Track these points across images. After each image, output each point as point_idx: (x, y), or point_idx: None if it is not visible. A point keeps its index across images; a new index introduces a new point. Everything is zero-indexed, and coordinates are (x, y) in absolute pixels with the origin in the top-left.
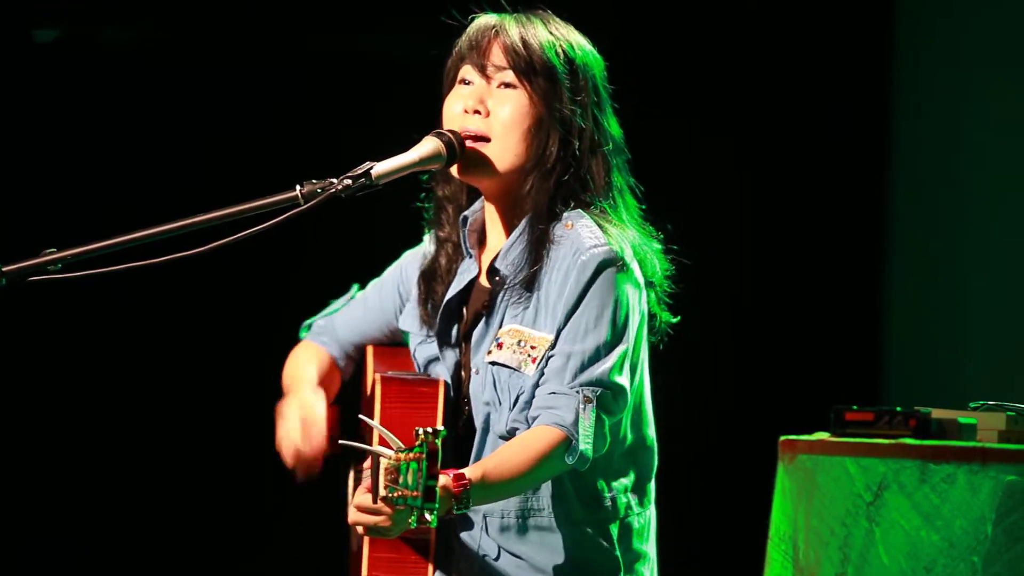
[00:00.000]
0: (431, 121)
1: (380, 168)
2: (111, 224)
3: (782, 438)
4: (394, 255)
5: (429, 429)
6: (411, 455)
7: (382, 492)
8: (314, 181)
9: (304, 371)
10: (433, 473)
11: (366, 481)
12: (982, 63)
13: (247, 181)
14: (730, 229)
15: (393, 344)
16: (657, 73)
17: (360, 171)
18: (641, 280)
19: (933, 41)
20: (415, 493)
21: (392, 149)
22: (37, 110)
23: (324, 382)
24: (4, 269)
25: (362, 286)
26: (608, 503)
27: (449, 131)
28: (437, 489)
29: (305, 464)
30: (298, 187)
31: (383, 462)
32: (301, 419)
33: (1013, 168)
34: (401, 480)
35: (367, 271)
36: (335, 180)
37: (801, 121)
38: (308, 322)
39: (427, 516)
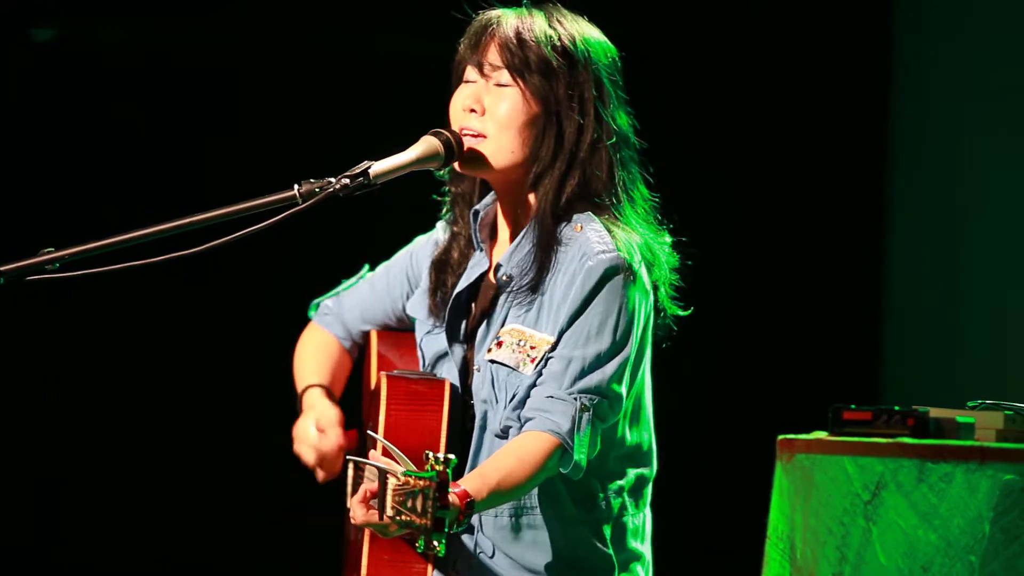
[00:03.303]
0: (429, 120)
1: (378, 167)
2: (109, 224)
3: (780, 437)
4: (390, 251)
5: (440, 456)
6: (421, 481)
7: (389, 512)
8: (312, 180)
9: (314, 371)
10: (444, 503)
11: (367, 483)
12: (980, 63)
13: (245, 181)
14: (727, 228)
15: (398, 329)
16: (654, 68)
17: (358, 170)
18: (648, 286)
19: (931, 39)
20: (424, 521)
21: (390, 148)
22: (34, 109)
23: (334, 374)
24: (2, 269)
25: (372, 268)
26: (602, 503)
27: (447, 130)
28: (447, 520)
29: (327, 462)
30: (296, 186)
31: (391, 481)
32: (316, 422)
33: (1011, 168)
34: (409, 504)
35: (362, 267)
36: (333, 179)
37: (800, 118)
38: (317, 301)
39: (435, 544)
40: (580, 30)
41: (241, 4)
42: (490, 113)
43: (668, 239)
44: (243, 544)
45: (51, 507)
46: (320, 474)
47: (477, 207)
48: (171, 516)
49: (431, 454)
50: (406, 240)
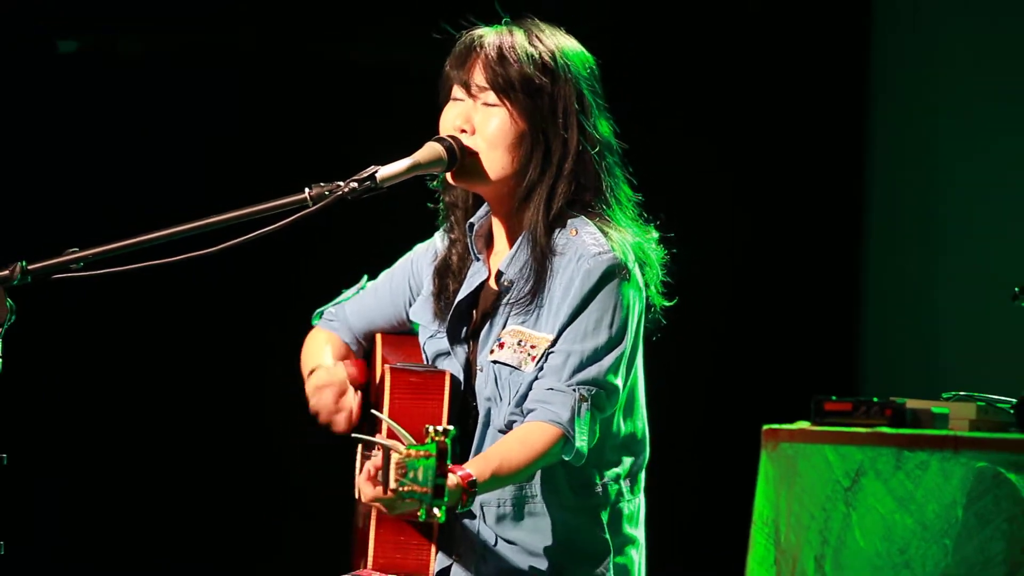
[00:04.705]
0: (434, 126)
1: (384, 172)
2: (108, 223)
3: (765, 427)
4: (395, 255)
5: (439, 428)
6: (421, 452)
7: (392, 485)
8: (322, 184)
9: (322, 354)
10: (443, 471)
11: (375, 459)
12: (957, 60)
13: (246, 181)
14: (709, 223)
15: (401, 332)
16: (642, 68)
17: (365, 174)
18: (642, 283)
19: (909, 38)
20: (425, 489)
21: (389, 150)
22: (33, 109)
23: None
24: (30, 268)
25: (371, 278)
26: (599, 490)
27: (450, 136)
28: (446, 487)
29: (343, 414)
30: (307, 189)
31: (394, 456)
32: (327, 374)
33: (987, 161)
34: (411, 475)
35: (370, 270)
36: (342, 183)
37: (780, 113)
38: (320, 310)
39: (436, 511)
40: (558, 44)
41: (241, 4)
42: (480, 132)
43: (655, 234)
44: (244, 544)
45: (51, 507)
46: (338, 427)
47: (472, 220)
48: (171, 516)
49: (431, 427)
50: (412, 242)
